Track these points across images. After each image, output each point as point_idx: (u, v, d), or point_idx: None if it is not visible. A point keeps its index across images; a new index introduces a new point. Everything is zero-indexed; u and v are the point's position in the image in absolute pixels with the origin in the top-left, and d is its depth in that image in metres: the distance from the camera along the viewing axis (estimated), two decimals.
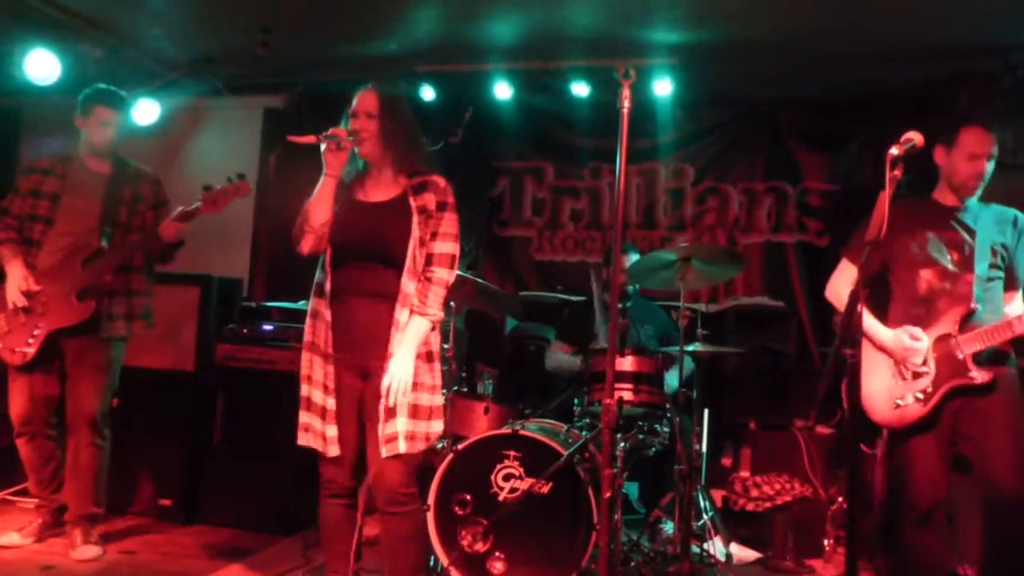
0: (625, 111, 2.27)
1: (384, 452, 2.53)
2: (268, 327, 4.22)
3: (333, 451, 2.61)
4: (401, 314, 2.58)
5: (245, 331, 4.22)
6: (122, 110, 3.59)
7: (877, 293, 3.01)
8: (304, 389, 2.69)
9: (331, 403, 2.62)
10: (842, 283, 3.04)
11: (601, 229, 5.56)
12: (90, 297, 3.37)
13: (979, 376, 2.73)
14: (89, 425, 3.46)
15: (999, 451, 2.73)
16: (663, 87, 4.75)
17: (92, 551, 3.42)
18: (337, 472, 2.67)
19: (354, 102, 2.66)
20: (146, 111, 4.97)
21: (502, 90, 4.99)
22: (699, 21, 4.11)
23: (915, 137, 2.31)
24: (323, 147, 2.58)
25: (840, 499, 3.94)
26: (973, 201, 2.92)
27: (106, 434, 3.54)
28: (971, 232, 2.87)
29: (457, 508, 3.24)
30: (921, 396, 2.80)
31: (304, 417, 2.68)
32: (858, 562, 2.14)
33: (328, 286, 2.64)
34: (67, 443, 3.51)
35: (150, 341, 4.17)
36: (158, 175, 3.71)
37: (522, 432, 3.28)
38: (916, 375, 2.83)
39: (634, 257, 4.15)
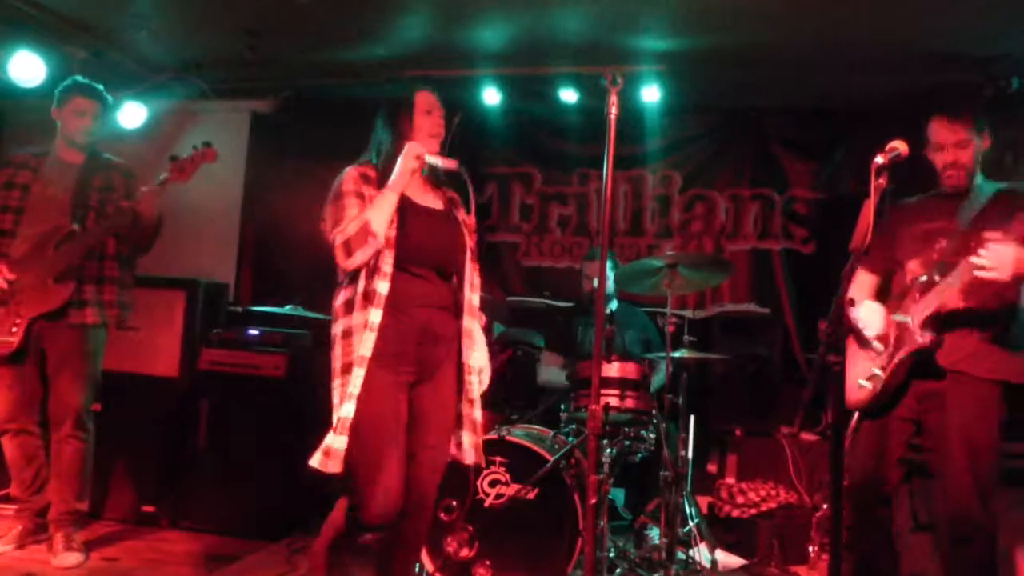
0: (612, 118, 2.27)
1: (468, 458, 2.58)
2: (254, 332, 4.20)
3: (336, 467, 2.38)
4: (472, 324, 2.61)
5: (231, 336, 4.20)
6: (99, 101, 3.56)
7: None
8: (344, 410, 2.39)
9: (351, 419, 2.40)
10: (855, 292, 2.96)
11: (588, 235, 5.57)
12: (68, 280, 3.36)
13: (922, 338, 2.63)
14: (72, 417, 3.43)
15: (955, 474, 2.65)
16: (651, 94, 4.77)
17: (74, 558, 3.39)
18: (389, 503, 2.40)
19: (421, 101, 2.63)
20: (132, 114, 4.94)
21: (491, 95, 4.99)
22: (687, 29, 4.13)
23: (900, 146, 2.32)
24: (409, 162, 2.47)
25: (825, 506, 3.95)
26: (979, 183, 2.80)
27: (89, 428, 3.51)
28: (965, 217, 2.76)
29: (443, 514, 3.23)
30: (879, 373, 2.73)
31: (333, 441, 2.38)
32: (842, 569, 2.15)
33: (385, 294, 2.43)
34: (50, 439, 3.48)
35: (134, 345, 4.15)
36: (134, 170, 3.66)
37: (508, 438, 3.28)
38: (878, 352, 2.76)
39: (608, 266, 4.17)
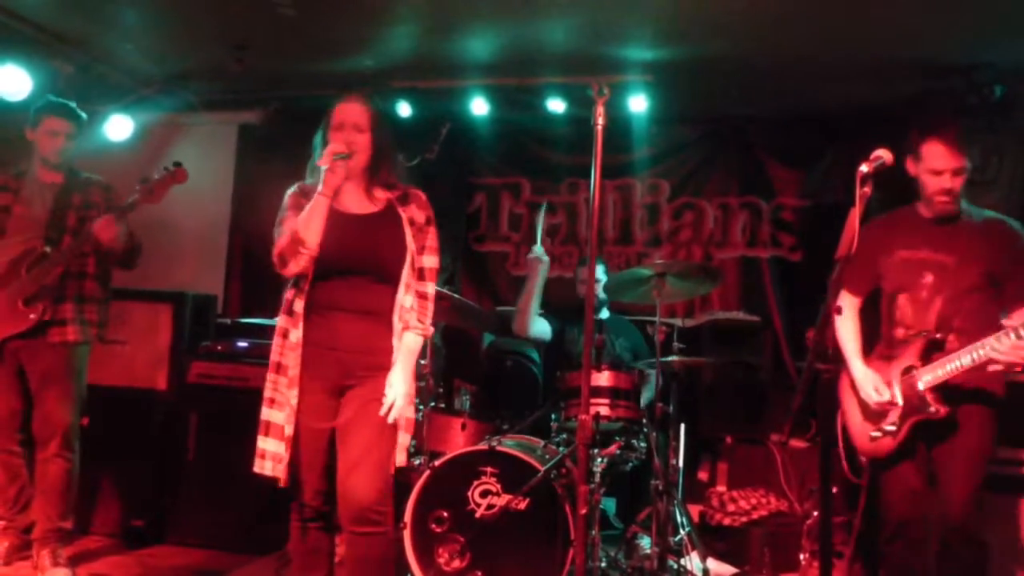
0: (599, 128, 2.28)
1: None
2: (243, 344, 4.18)
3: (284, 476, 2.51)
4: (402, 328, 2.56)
5: (219, 348, 4.18)
6: (72, 121, 3.52)
7: (871, 317, 2.98)
8: (265, 413, 2.58)
9: (289, 429, 2.51)
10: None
11: (578, 244, 5.58)
12: (37, 302, 3.32)
13: (937, 410, 2.68)
14: (59, 437, 3.39)
15: (954, 486, 2.75)
16: (638, 103, 4.78)
17: (61, 573, 3.35)
18: (311, 496, 2.57)
19: (336, 114, 2.59)
20: (119, 127, 4.92)
21: (479, 106, 5.00)
22: (673, 39, 4.16)
23: (884, 154, 2.34)
24: (327, 165, 2.47)
25: (815, 513, 3.96)
26: (964, 207, 2.80)
27: (75, 447, 3.47)
28: (952, 248, 2.76)
29: (434, 525, 3.22)
30: (891, 429, 2.78)
31: (262, 443, 2.56)
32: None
33: (303, 302, 2.55)
34: (35, 458, 3.45)
35: (122, 359, 4.12)
36: (112, 184, 3.63)
37: (499, 448, 3.28)
38: (886, 410, 2.82)
39: (600, 270, 4.19)
